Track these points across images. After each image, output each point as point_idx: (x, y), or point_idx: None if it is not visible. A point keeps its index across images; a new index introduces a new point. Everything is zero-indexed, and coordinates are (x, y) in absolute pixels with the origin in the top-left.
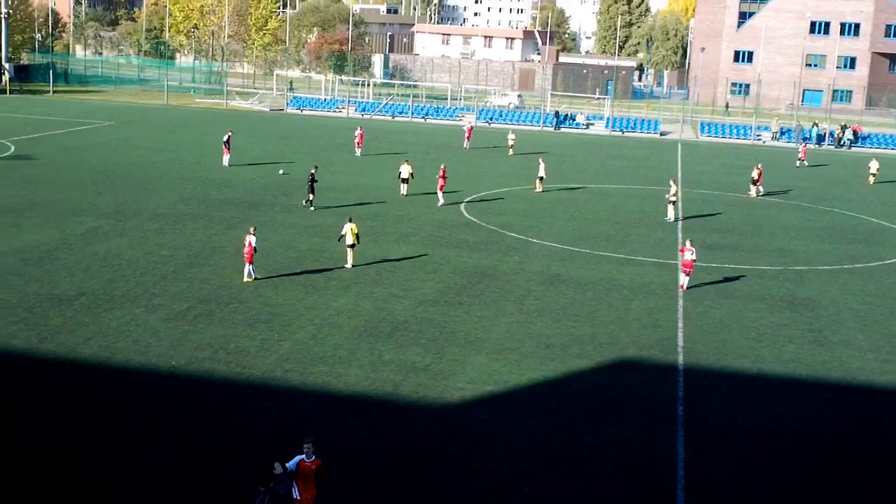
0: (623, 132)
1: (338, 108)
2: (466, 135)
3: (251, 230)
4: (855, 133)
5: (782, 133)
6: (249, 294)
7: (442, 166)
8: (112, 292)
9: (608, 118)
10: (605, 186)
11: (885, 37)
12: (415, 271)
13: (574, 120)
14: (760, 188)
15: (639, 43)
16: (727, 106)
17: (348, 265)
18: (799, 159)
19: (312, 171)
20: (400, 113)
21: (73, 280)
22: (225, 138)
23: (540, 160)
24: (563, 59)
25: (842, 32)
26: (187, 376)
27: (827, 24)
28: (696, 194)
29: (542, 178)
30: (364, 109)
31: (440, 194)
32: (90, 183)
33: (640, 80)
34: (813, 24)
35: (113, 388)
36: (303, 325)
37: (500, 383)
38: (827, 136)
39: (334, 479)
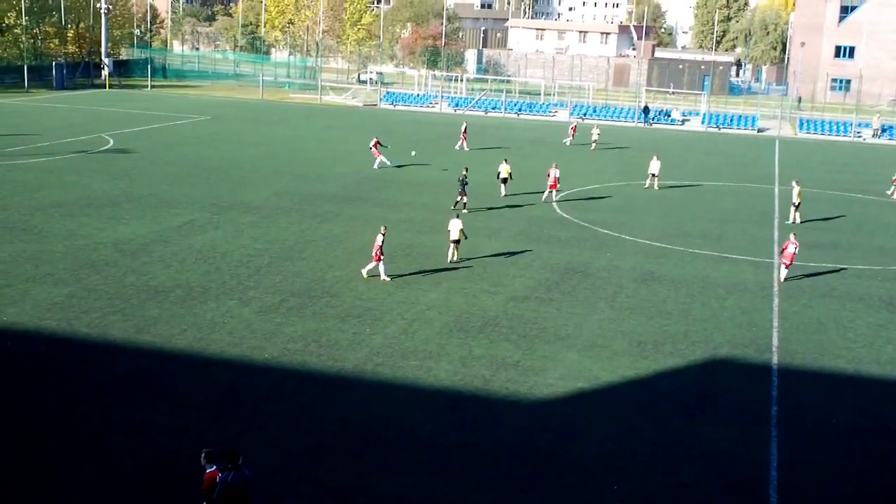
0: (719, 128)
1: (431, 103)
2: (571, 132)
3: (382, 230)
4: None
5: (883, 130)
6: (342, 288)
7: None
8: (207, 284)
9: (704, 114)
10: (700, 183)
11: None
12: (506, 267)
13: (668, 116)
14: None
15: (736, 38)
16: (799, 100)
17: (449, 260)
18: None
19: (464, 173)
20: (493, 108)
21: (168, 272)
22: (372, 143)
23: (655, 157)
24: (659, 53)
25: None
26: (280, 368)
27: None
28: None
29: (654, 175)
30: (457, 105)
31: (552, 193)
32: (186, 176)
33: (737, 75)
34: None
35: (208, 378)
36: (394, 320)
37: (591, 380)
38: None
39: (424, 472)
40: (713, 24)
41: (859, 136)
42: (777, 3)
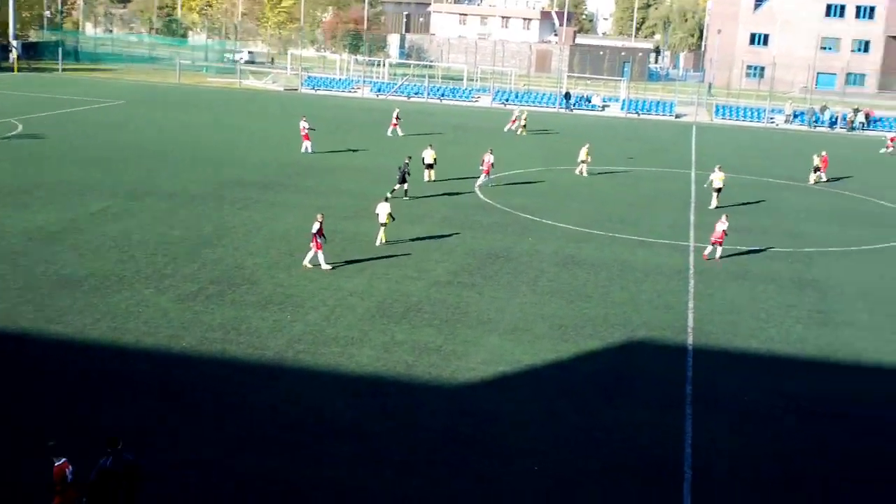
0: (639, 114)
1: (353, 88)
2: (512, 119)
3: (318, 217)
4: (867, 116)
5: (795, 116)
6: (262, 275)
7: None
8: (122, 273)
9: (623, 100)
10: (620, 168)
11: None
12: (429, 252)
13: (589, 101)
14: (823, 175)
15: (655, 25)
16: (709, 87)
17: (377, 243)
18: (887, 147)
19: (407, 162)
20: (415, 94)
21: (82, 261)
22: (301, 126)
23: (586, 144)
24: (580, 40)
25: (857, 15)
26: (198, 357)
27: (842, 8)
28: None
29: (583, 161)
30: (380, 90)
31: (487, 178)
32: (100, 162)
33: (656, 62)
34: (828, 7)
35: (123, 369)
36: (315, 306)
37: (513, 364)
38: (839, 119)
39: (350, 460)
40: (633, 11)
41: (772, 122)
42: None
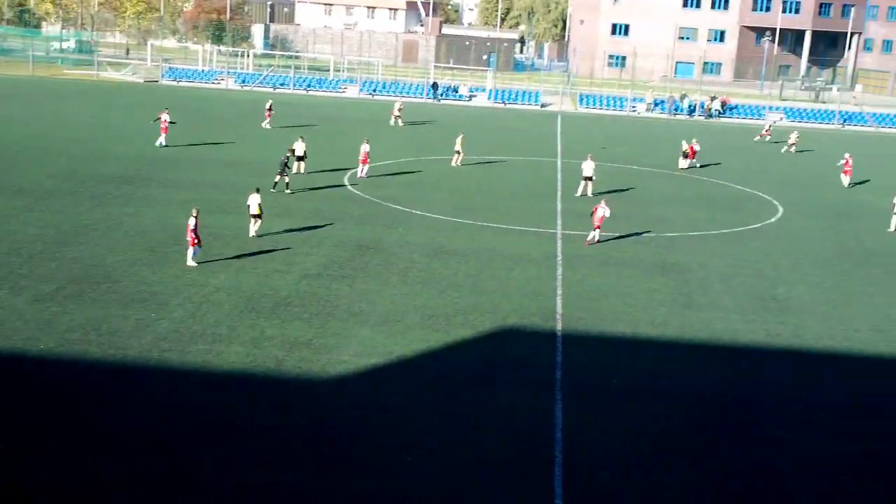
0: (505, 104)
1: (216, 79)
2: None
3: (193, 212)
4: (723, 104)
5: (656, 104)
6: (123, 273)
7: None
8: None
9: (490, 90)
10: (488, 158)
11: (753, 10)
12: (298, 245)
13: (456, 92)
14: (694, 162)
15: (520, 15)
16: (569, 77)
17: (250, 234)
18: (761, 135)
19: (288, 154)
20: (281, 85)
21: None
22: (160, 118)
23: (461, 135)
24: (447, 30)
25: (713, 6)
26: (57, 359)
27: None
28: (576, 164)
29: (458, 152)
30: (244, 81)
31: (363, 168)
32: None
33: (521, 52)
34: None
35: None
36: (181, 304)
37: (385, 355)
38: (697, 107)
39: (221, 459)
40: (497, 2)
41: (634, 111)
42: None
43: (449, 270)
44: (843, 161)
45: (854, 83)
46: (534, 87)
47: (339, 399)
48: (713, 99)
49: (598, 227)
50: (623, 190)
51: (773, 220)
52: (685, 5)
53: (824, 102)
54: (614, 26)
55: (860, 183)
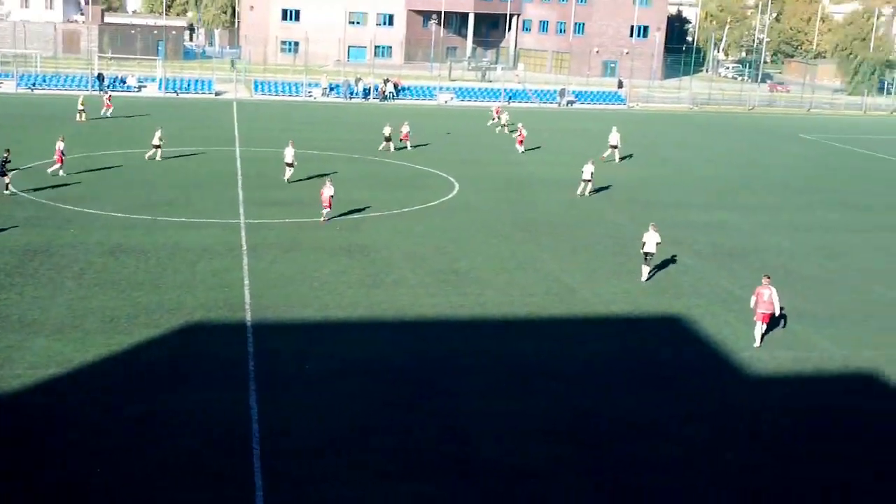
0: (178, 93)
1: None
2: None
3: None
4: (396, 86)
5: (331, 89)
6: None
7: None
8: None
9: (161, 80)
10: (163, 149)
11: None
12: None
13: (124, 83)
14: (408, 145)
15: (187, 2)
16: (232, 63)
17: None
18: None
19: (5, 155)
20: None
21: None
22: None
23: (160, 128)
24: (109, 18)
25: None
26: None
27: None
28: (256, 152)
29: (158, 147)
30: None
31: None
32: None
33: (191, 39)
34: None
35: None
36: None
37: (64, 364)
38: (372, 89)
39: None
40: None
41: (310, 96)
42: None
43: (128, 269)
44: (517, 131)
45: (517, 62)
46: (206, 75)
47: (19, 414)
48: (386, 82)
49: (328, 207)
50: (316, 176)
51: (450, 196)
52: None
53: (490, 81)
54: (285, 12)
55: (532, 151)
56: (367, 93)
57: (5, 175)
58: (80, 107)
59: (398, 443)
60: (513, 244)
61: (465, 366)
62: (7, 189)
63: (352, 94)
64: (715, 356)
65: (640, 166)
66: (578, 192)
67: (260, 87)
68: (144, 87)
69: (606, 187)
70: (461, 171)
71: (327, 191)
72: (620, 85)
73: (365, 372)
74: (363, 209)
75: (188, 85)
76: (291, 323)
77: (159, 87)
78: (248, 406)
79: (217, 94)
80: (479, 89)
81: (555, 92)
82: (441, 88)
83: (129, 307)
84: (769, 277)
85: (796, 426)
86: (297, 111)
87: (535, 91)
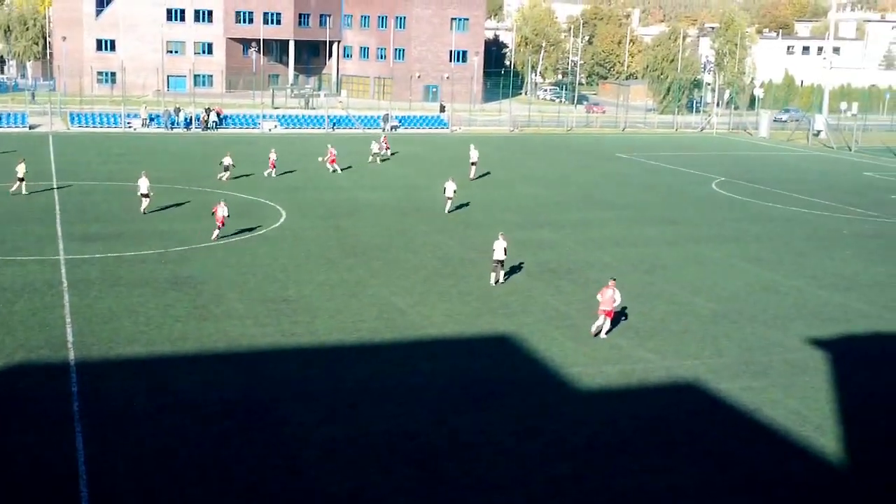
0: None
1: None
2: None
3: None
4: (218, 115)
5: (151, 119)
6: None
7: None
8: None
9: None
10: None
11: (237, 23)
12: None
13: None
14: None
15: None
16: (32, 95)
17: None
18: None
19: None
20: None
21: None
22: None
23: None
24: None
25: (197, 19)
26: None
27: (182, 12)
28: (75, 186)
29: (22, 179)
30: None
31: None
32: None
33: (2, 72)
34: (169, 12)
35: None
36: None
37: None
38: (193, 119)
39: None
40: None
41: (130, 127)
42: None
43: None
44: (327, 154)
45: (340, 88)
46: (19, 108)
47: None
48: (208, 111)
49: (222, 225)
50: (123, 207)
51: (277, 224)
52: (170, 18)
53: (314, 108)
54: (99, 42)
55: (353, 175)
56: (188, 122)
57: None
58: None
59: (232, 477)
60: (342, 270)
61: (297, 394)
62: None
63: (173, 124)
64: (545, 372)
65: (463, 188)
66: (447, 209)
67: (77, 118)
68: None
69: (430, 210)
70: (287, 198)
71: (221, 210)
72: (443, 109)
73: (196, 405)
74: (188, 241)
75: (1, 119)
76: (117, 360)
77: None
78: (75, 448)
79: (31, 127)
80: (303, 116)
81: (378, 118)
82: (265, 116)
83: None
84: (615, 280)
85: (628, 437)
86: (117, 143)
87: (359, 117)
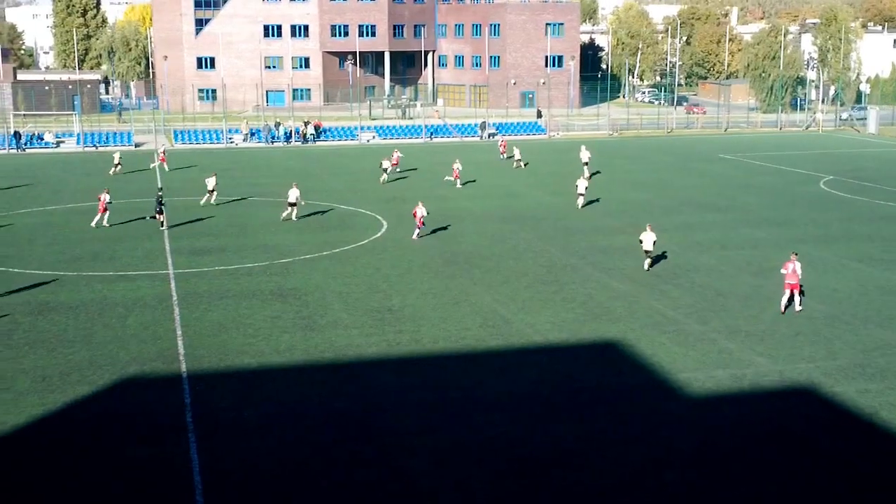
0: (97, 147)
1: None
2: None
3: None
4: (317, 128)
5: (252, 134)
6: None
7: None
8: None
9: (78, 134)
10: (84, 205)
11: (332, 36)
12: None
13: (42, 139)
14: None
15: (100, 55)
16: (119, 114)
17: None
18: (501, 153)
19: (159, 193)
20: None
21: None
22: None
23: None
24: (22, 76)
25: (293, 34)
26: None
27: (279, 27)
28: (179, 201)
29: (212, 191)
30: None
31: None
32: None
33: (107, 92)
34: (266, 28)
35: None
36: None
37: None
38: (293, 133)
39: None
40: (74, 43)
41: (232, 143)
42: (134, 18)
43: (57, 327)
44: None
45: (436, 98)
46: (125, 127)
47: None
48: (307, 124)
49: (422, 225)
50: (228, 221)
51: (378, 234)
52: (266, 35)
53: (411, 118)
54: (199, 60)
55: (448, 187)
56: (288, 136)
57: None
58: None
59: (342, 486)
60: (445, 279)
61: (403, 402)
62: (162, 224)
63: (273, 138)
64: (653, 378)
65: (562, 194)
66: (579, 204)
67: (180, 136)
68: (63, 142)
69: (531, 217)
70: (387, 208)
71: (420, 210)
72: (539, 115)
73: (305, 416)
74: (292, 253)
75: (108, 138)
76: (227, 371)
77: (77, 142)
78: (190, 458)
79: (137, 145)
80: (400, 127)
81: (475, 125)
82: (362, 128)
83: (62, 365)
84: (796, 254)
85: (741, 443)
86: (220, 158)
87: (456, 125)
